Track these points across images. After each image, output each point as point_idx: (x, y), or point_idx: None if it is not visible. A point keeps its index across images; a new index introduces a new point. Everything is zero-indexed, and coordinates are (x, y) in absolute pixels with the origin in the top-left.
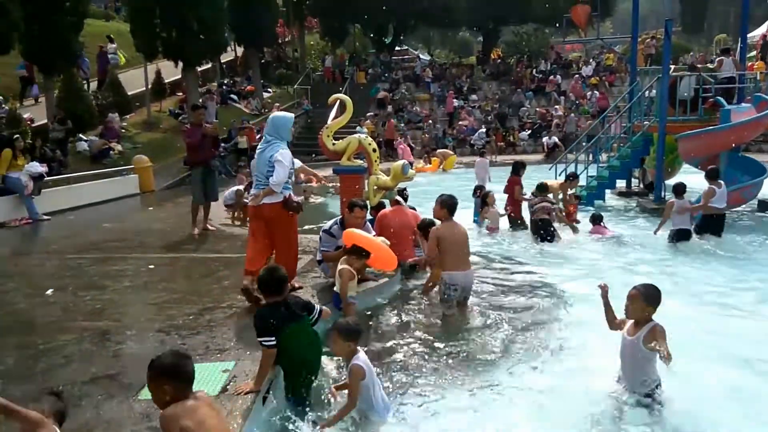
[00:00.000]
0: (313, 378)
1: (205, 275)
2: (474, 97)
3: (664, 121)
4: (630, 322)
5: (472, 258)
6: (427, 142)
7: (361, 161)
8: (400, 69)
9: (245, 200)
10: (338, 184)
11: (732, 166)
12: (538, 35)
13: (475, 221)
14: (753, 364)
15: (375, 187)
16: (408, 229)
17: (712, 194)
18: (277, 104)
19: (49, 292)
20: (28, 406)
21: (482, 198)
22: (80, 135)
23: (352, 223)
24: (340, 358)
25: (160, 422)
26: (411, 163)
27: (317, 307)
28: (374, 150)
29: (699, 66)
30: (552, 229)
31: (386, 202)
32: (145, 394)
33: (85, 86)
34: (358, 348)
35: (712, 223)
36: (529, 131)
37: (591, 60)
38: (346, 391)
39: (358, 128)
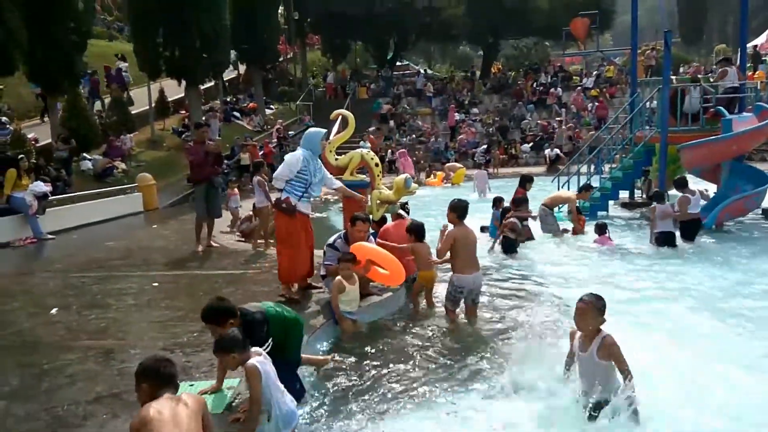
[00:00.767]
0: None
1: (208, 292)
2: (475, 110)
3: (666, 132)
4: (578, 335)
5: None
6: (420, 157)
7: (364, 176)
8: (401, 84)
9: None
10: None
11: (735, 175)
12: (538, 48)
13: (491, 234)
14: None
15: (378, 201)
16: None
17: (687, 202)
18: (280, 120)
19: (54, 311)
20: None
21: (502, 213)
22: (84, 154)
23: (354, 237)
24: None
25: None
26: (413, 177)
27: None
28: (377, 164)
29: (700, 77)
30: (516, 246)
31: (388, 216)
32: None
33: (90, 105)
34: (251, 352)
35: (686, 229)
36: (531, 144)
37: (592, 72)
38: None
39: (361, 143)
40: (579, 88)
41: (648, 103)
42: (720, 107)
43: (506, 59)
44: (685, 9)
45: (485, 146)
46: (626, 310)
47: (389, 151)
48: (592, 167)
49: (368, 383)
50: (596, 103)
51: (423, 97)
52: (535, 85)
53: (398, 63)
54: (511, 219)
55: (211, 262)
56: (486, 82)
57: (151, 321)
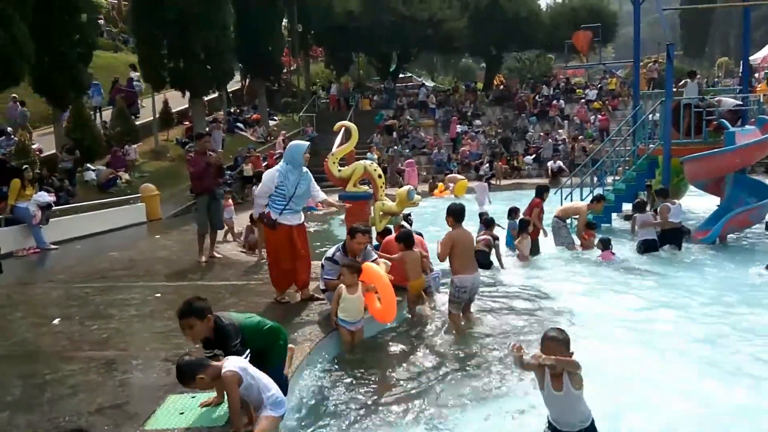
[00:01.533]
0: None
1: (211, 303)
2: (478, 122)
3: (669, 144)
4: (547, 374)
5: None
6: (422, 169)
7: (367, 186)
8: (404, 96)
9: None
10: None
11: (738, 187)
12: (540, 61)
13: (508, 245)
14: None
15: (381, 213)
16: None
17: (668, 210)
18: (283, 131)
19: (56, 321)
20: None
21: (520, 225)
22: (88, 164)
23: (353, 248)
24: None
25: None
26: (415, 188)
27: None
28: (380, 176)
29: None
30: (489, 262)
31: (391, 227)
32: (152, 423)
33: (93, 115)
34: (220, 362)
35: (670, 237)
36: (534, 155)
37: (595, 85)
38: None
39: (368, 154)
40: (582, 100)
41: (650, 116)
42: (723, 120)
43: (509, 71)
44: (688, 22)
45: (488, 162)
46: (633, 327)
47: (393, 162)
48: (595, 179)
49: (366, 401)
50: (599, 116)
51: (426, 108)
52: (537, 97)
53: (401, 75)
54: (485, 236)
55: (213, 273)
56: (488, 94)
57: (153, 332)
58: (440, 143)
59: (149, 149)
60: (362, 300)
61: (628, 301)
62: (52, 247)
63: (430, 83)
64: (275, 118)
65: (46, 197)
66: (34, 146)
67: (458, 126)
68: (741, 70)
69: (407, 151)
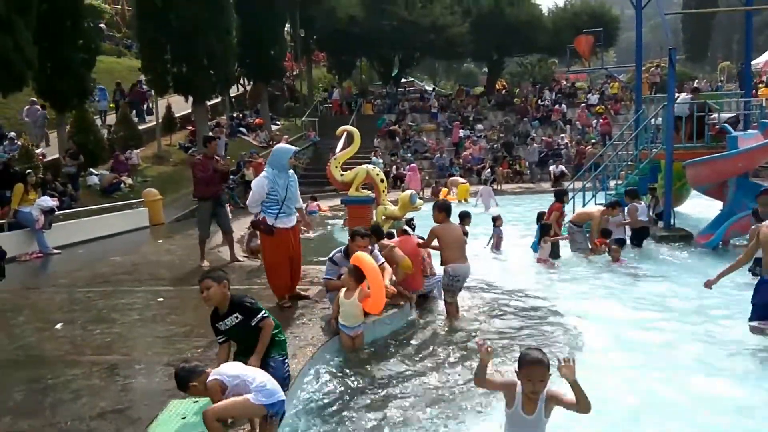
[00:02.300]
0: None
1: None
2: (480, 126)
3: (671, 148)
4: (519, 394)
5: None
6: (425, 173)
7: (369, 191)
8: (406, 100)
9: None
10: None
11: (741, 192)
12: (542, 65)
13: (533, 247)
14: None
15: (383, 217)
16: (416, 259)
17: (636, 210)
18: (286, 136)
19: (59, 326)
20: None
21: (540, 229)
22: (91, 169)
23: (354, 251)
24: None
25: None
26: (418, 193)
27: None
28: (382, 180)
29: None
30: None
31: (394, 231)
32: (154, 428)
33: (100, 120)
34: (208, 372)
35: (639, 235)
36: (536, 160)
37: (596, 89)
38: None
39: (373, 159)
40: (584, 104)
41: (653, 120)
42: (725, 125)
43: (511, 76)
44: (690, 26)
45: (490, 167)
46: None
47: (394, 167)
48: (597, 183)
49: (369, 404)
50: (601, 120)
51: (428, 112)
52: (539, 101)
53: (403, 79)
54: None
55: None
56: (490, 99)
57: (156, 336)
58: (442, 147)
59: (152, 154)
60: (359, 305)
61: (628, 303)
62: (55, 251)
63: (429, 87)
64: (278, 122)
65: (49, 202)
66: (37, 151)
67: (461, 130)
68: (738, 74)
69: (409, 155)
